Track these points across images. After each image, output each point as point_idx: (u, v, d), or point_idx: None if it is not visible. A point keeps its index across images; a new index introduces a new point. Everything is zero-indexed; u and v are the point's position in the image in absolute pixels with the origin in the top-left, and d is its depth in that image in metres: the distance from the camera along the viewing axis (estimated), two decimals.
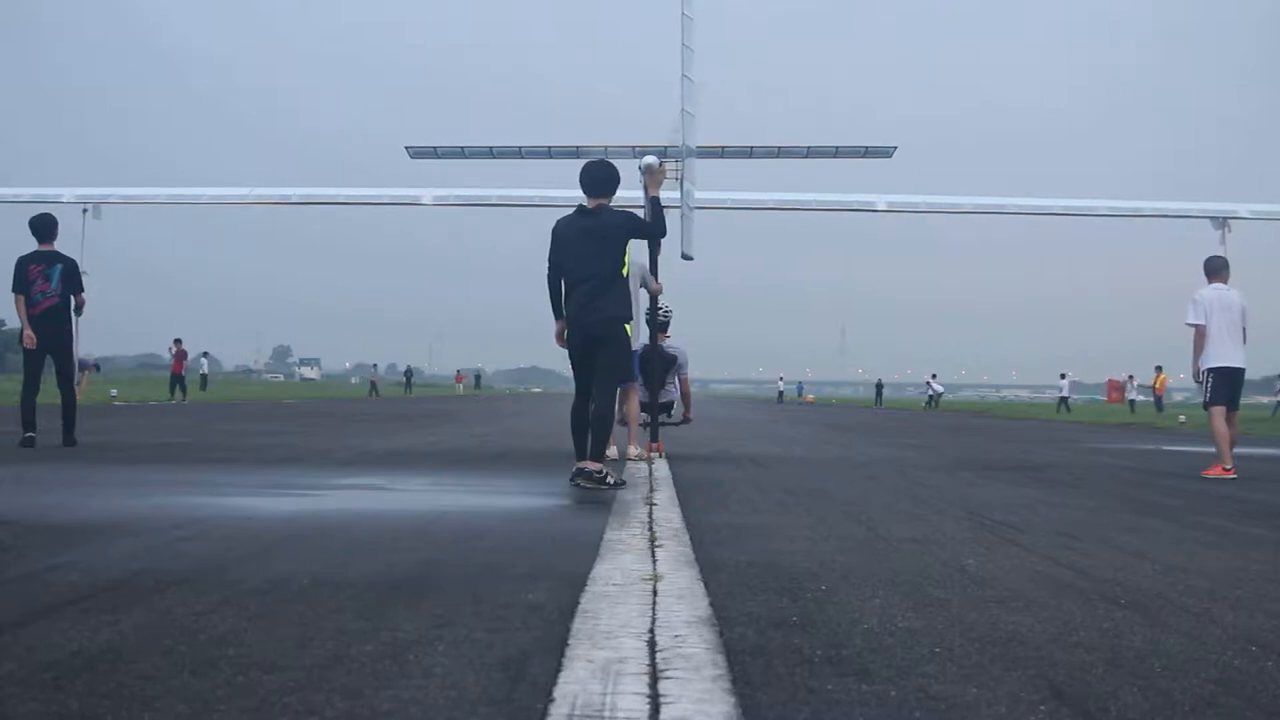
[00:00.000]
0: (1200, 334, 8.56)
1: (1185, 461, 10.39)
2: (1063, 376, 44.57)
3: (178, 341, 29.75)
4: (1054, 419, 30.78)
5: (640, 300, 8.47)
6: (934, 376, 51.74)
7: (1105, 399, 42.77)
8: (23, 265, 8.72)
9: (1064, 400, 43.18)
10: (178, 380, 28.80)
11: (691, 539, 3.96)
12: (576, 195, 6.37)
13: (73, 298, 8.86)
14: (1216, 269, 8.72)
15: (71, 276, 8.82)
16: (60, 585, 2.83)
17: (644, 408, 8.96)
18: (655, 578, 3.09)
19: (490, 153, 14.70)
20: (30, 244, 8.84)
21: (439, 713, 1.79)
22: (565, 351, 6.28)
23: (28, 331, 8.66)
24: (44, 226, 8.89)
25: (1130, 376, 41.81)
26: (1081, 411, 41.94)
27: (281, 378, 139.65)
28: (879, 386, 64.33)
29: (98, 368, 32.41)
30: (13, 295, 8.69)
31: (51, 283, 8.68)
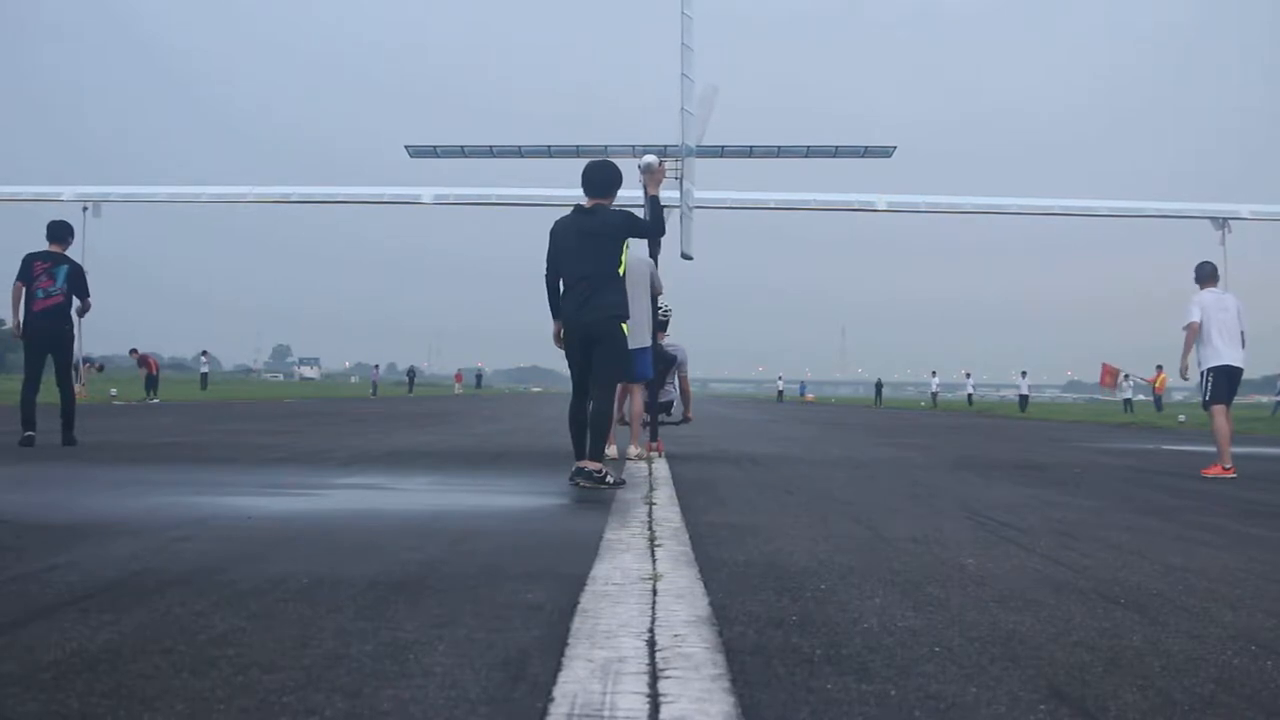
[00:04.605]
0: (1192, 331, 8.60)
1: (1185, 461, 10.40)
2: (1023, 375, 44.65)
3: (134, 351, 33.90)
4: (1021, 417, 30.83)
5: (647, 299, 8.43)
6: (967, 375, 52.29)
7: (1099, 382, 42.94)
8: (29, 262, 8.83)
9: (1024, 398, 43.33)
10: (151, 381, 30.69)
11: (691, 538, 3.96)
12: (576, 195, 6.37)
13: (77, 299, 8.94)
14: (1208, 274, 8.80)
15: (78, 279, 8.93)
16: (60, 585, 2.83)
17: (644, 407, 8.95)
18: (655, 577, 3.09)
19: (490, 152, 14.71)
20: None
21: (439, 713, 1.79)
22: (564, 351, 6.28)
23: (16, 319, 8.72)
24: (57, 230, 9.08)
25: (1126, 375, 41.76)
26: (1043, 409, 42.26)
27: (281, 377, 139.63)
28: (879, 386, 64.36)
29: (102, 368, 33.64)
30: (15, 284, 8.76)
31: (56, 281, 8.76)
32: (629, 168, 6.61)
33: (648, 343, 8.39)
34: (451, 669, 2.05)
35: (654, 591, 2.88)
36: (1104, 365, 40.29)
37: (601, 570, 3.20)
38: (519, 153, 14.73)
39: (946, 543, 4.03)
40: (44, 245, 8.95)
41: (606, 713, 1.80)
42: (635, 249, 8.19)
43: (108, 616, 2.45)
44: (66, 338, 8.97)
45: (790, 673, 2.09)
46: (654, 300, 8.86)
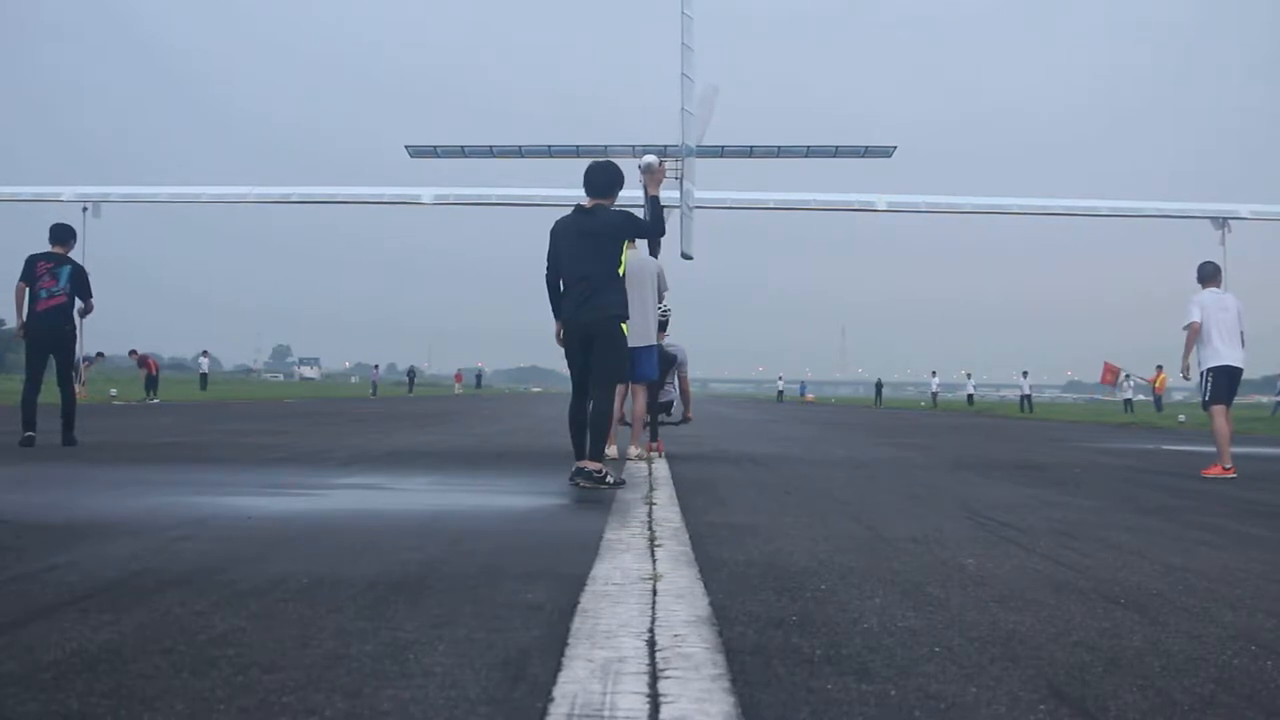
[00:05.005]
0: (1193, 331, 8.62)
1: (1185, 461, 10.40)
2: (1024, 375, 44.59)
3: (133, 352, 34.07)
4: (1021, 417, 30.85)
5: (654, 299, 8.41)
6: (968, 375, 52.70)
7: (1100, 379, 43.00)
8: (32, 262, 8.88)
9: (1026, 398, 43.20)
10: (151, 381, 30.62)
11: (691, 538, 3.96)
12: (576, 195, 6.38)
13: (80, 300, 8.98)
14: (1210, 274, 8.82)
15: (80, 280, 8.97)
16: (60, 585, 2.83)
17: (644, 408, 8.95)
18: (655, 577, 3.09)
19: (490, 152, 14.71)
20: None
21: (439, 713, 1.79)
22: (564, 351, 6.28)
23: (20, 319, 8.76)
24: (60, 232, 9.13)
25: (1126, 375, 41.74)
26: (1043, 409, 42.25)
27: (281, 377, 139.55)
28: (879, 386, 64.39)
29: (102, 355, 33.71)
30: (18, 284, 8.80)
31: (59, 281, 8.81)
32: (629, 168, 6.62)
33: (653, 342, 8.38)
34: (451, 669, 2.05)
35: (654, 591, 2.88)
36: (1105, 364, 40.31)
37: (601, 570, 3.20)
38: (519, 153, 14.73)
39: (946, 543, 4.03)
40: (45, 247, 8.99)
41: (606, 713, 1.80)
42: (640, 249, 8.19)
43: (108, 616, 2.45)
44: (68, 338, 9.00)
45: (790, 673, 2.09)
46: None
